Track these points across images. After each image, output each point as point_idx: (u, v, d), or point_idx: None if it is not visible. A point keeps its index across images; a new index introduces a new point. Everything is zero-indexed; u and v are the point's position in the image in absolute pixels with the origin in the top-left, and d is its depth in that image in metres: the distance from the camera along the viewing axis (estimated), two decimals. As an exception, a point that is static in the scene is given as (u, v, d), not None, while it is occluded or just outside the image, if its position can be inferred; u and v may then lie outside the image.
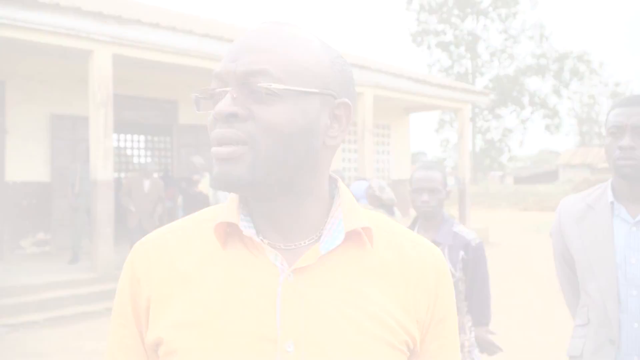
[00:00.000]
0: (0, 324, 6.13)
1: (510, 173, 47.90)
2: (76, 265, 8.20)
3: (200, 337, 0.78)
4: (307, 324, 0.78)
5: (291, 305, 0.79)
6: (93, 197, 7.69)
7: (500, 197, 28.93)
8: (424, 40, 38.82)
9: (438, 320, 0.88)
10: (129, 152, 15.58)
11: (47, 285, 7.12)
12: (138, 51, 7.99)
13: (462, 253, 2.49)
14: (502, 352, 2.64)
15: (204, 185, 8.00)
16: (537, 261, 10.32)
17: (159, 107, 10.69)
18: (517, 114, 39.24)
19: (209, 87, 0.82)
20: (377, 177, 13.61)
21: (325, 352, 0.78)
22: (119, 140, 15.15)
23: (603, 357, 1.78)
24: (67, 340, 5.73)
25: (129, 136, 15.46)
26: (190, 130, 11.05)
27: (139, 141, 15.80)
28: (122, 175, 14.86)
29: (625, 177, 1.76)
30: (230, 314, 0.79)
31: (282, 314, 0.78)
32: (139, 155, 15.89)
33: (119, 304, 0.88)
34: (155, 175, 9.72)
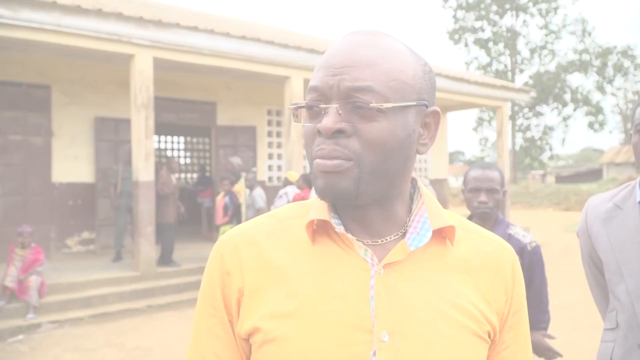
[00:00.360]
0: (47, 320, 6.35)
1: (552, 172, 46.85)
2: (119, 264, 8.44)
3: (299, 326, 0.82)
4: (400, 315, 0.82)
5: (384, 298, 0.83)
6: (135, 197, 7.90)
7: (541, 196, 28.27)
8: (461, 38, 38.27)
9: (514, 312, 0.93)
10: (169, 153, 15.86)
11: (91, 282, 7.34)
12: (177, 54, 8.15)
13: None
14: (561, 356, 2.51)
15: (240, 185, 8.09)
16: (579, 261, 10.08)
17: (198, 109, 10.87)
18: (559, 112, 38.28)
19: (307, 99, 0.85)
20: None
21: (417, 341, 0.82)
22: (159, 142, 15.46)
23: None
24: (110, 337, 5.89)
25: (169, 137, 15.76)
26: (228, 131, 11.21)
27: (178, 142, 16.09)
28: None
29: None
30: (326, 304, 0.82)
31: (376, 305, 0.82)
32: (179, 157, 16.17)
33: (208, 295, 0.91)
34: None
